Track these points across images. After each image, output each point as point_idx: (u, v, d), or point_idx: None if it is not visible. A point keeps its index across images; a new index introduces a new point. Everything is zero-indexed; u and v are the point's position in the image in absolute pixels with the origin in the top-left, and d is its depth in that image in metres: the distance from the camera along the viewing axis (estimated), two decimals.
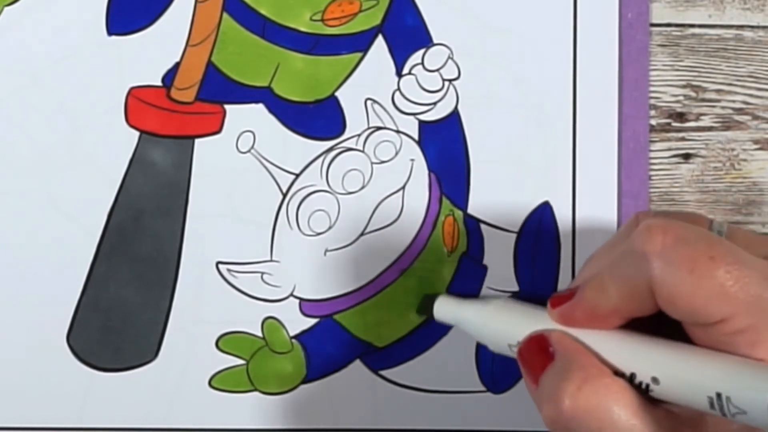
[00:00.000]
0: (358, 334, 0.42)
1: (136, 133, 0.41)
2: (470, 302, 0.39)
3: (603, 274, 0.33)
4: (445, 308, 0.40)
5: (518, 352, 0.35)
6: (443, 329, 0.42)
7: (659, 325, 0.32)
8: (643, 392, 0.31)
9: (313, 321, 0.42)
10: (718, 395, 0.29)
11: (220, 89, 0.41)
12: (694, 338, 0.31)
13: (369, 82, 0.42)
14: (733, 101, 0.43)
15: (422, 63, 0.42)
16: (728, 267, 0.30)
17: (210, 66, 0.41)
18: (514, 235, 0.42)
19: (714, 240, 0.31)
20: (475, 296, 0.42)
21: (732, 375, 0.29)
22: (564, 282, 0.42)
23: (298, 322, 0.42)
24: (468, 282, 0.42)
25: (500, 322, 0.37)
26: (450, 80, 0.42)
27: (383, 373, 0.42)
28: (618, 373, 0.32)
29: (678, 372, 0.31)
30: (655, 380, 0.31)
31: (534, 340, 0.35)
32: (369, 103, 0.42)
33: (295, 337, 0.42)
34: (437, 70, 0.42)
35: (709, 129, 0.43)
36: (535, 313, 0.36)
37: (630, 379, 0.32)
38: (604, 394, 0.31)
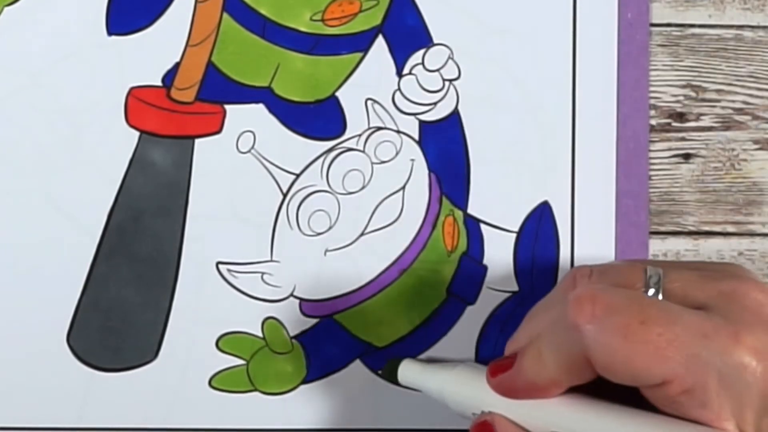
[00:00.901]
0: (358, 334, 0.42)
1: (136, 133, 0.41)
2: (433, 368, 0.39)
3: (540, 344, 0.33)
4: (408, 373, 0.39)
5: None
6: (443, 329, 0.42)
7: (602, 384, 0.32)
8: None
9: (313, 321, 0.42)
10: None
11: (220, 89, 0.41)
12: (649, 399, 0.31)
13: (369, 82, 0.42)
14: (733, 101, 0.43)
15: (422, 63, 0.42)
16: (660, 329, 0.30)
17: (210, 66, 0.41)
18: (514, 235, 0.42)
19: (644, 303, 0.31)
20: (438, 361, 0.41)
21: None
22: None
23: (298, 322, 0.42)
24: (468, 282, 0.42)
25: (460, 392, 0.36)
26: (450, 80, 0.42)
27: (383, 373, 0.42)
28: None
29: None
30: None
31: (480, 426, 0.34)
32: (369, 103, 0.42)
33: (295, 337, 0.42)
34: (437, 70, 0.42)
35: (709, 129, 0.43)
36: None
37: None
38: None
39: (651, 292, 0.33)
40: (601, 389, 0.32)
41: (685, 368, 0.30)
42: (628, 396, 0.32)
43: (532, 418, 0.33)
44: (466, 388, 0.36)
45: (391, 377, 0.40)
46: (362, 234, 0.42)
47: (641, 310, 0.30)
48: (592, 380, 0.32)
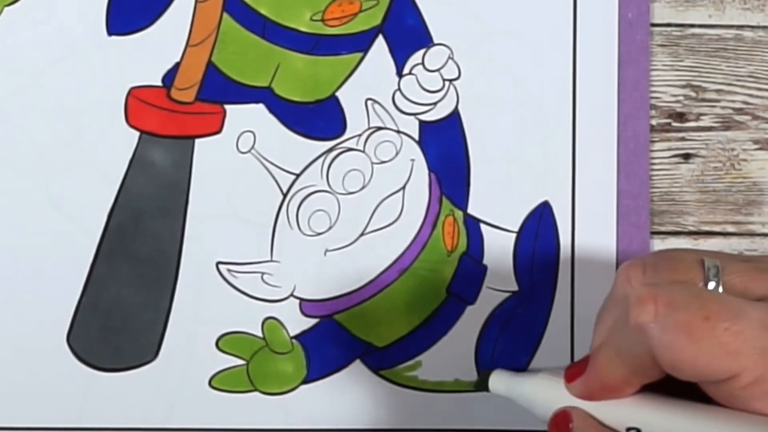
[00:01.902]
0: (358, 334, 0.42)
1: (136, 133, 0.41)
2: (520, 377, 0.39)
3: (608, 346, 0.33)
4: (498, 383, 0.39)
5: (548, 426, 0.35)
6: (443, 329, 0.42)
7: (675, 381, 0.32)
8: None
9: (313, 321, 0.42)
10: None
11: (220, 89, 0.41)
12: (709, 394, 0.31)
13: (369, 82, 0.42)
14: (733, 101, 0.43)
15: (422, 63, 0.42)
16: (725, 324, 0.30)
17: (210, 66, 0.41)
18: (514, 235, 0.42)
19: (706, 297, 0.31)
20: (526, 369, 0.41)
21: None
22: (563, 282, 0.42)
23: (298, 322, 0.42)
24: (468, 282, 0.42)
25: (544, 397, 0.37)
26: (450, 80, 0.42)
27: (383, 373, 0.42)
28: None
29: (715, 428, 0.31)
30: None
31: (557, 417, 0.35)
32: (369, 103, 0.42)
33: (296, 337, 0.42)
34: (437, 70, 0.42)
35: (709, 129, 0.43)
36: None
37: None
38: None
39: (711, 285, 0.33)
40: (673, 385, 0.33)
41: (753, 361, 0.29)
42: (697, 391, 0.32)
43: (610, 415, 0.34)
44: (549, 393, 0.36)
45: (483, 387, 0.40)
46: (362, 234, 0.42)
47: (704, 305, 0.30)
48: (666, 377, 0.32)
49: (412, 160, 0.42)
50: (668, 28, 0.43)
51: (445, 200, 0.42)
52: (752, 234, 0.44)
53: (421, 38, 0.42)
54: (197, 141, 0.41)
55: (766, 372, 0.30)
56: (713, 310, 0.30)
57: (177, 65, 0.41)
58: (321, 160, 0.42)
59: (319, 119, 0.42)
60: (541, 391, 0.37)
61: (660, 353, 0.31)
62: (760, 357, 0.29)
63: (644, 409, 0.33)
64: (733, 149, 0.43)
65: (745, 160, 0.43)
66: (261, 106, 0.41)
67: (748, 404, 0.30)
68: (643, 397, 0.33)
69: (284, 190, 0.42)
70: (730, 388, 0.30)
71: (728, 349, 0.29)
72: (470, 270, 0.42)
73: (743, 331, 0.30)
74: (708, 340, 0.30)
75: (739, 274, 0.33)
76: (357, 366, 0.42)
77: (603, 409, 0.34)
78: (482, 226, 0.42)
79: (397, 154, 0.42)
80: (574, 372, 0.35)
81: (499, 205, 0.42)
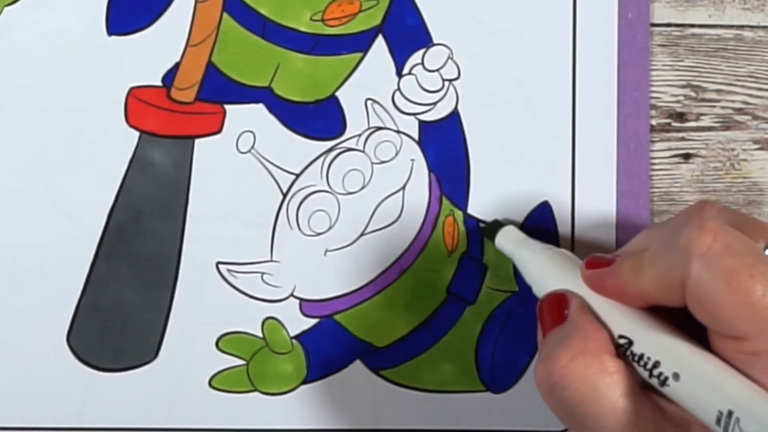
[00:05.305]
0: (358, 334, 0.42)
1: (136, 133, 0.41)
2: (531, 243, 0.38)
3: (644, 255, 0.33)
4: (506, 239, 0.39)
5: (538, 304, 0.35)
6: (443, 329, 0.42)
7: (683, 318, 0.32)
8: (660, 383, 0.31)
9: (313, 321, 0.42)
10: (730, 413, 0.29)
11: (220, 89, 0.41)
12: (713, 345, 0.31)
13: (369, 82, 0.42)
14: (733, 101, 0.43)
15: (422, 63, 0.42)
16: (765, 290, 0.29)
17: (210, 66, 0.41)
18: None
19: (762, 260, 0.30)
20: (539, 239, 0.40)
21: (753, 398, 0.29)
22: None
23: (298, 323, 0.42)
24: (468, 282, 0.42)
25: (548, 270, 0.36)
26: (450, 80, 0.42)
27: (383, 373, 0.42)
28: (641, 357, 0.32)
29: (702, 376, 0.30)
30: (676, 376, 0.31)
31: (554, 297, 0.34)
32: (369, 103, 0.42)
33: (296, 337, 0.42)
34: (437, 70, 0.42)
35: (709, 129, 0.43)
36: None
37: (653, 365, 0.31)
38: (597, 370, 0.31)
39: None
40: (679, 322, 0.32)
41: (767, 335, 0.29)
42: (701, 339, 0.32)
43: (608, 316, 0.33)
44: (555, 268, 0.36)
45: (489, 236, 0.40)
46: (362, 234, 0.42)
47: (756, 264, 0.30)
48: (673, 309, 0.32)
49: (412, 160, 0.42)
50: (668, 28, 0.43)
51: (445, 200, 0.42)
52: None
53: (421, 38, 0.42)
54: (197, 141, 0.41)
55: None
56: (762, 272, 0.30)
57: (177, 65, 0.41)
58: (321, 160, 0.42)
59: (319, 119, 0.42)
60: (549, 265, 0.36)
61: (692, 285, 0.30)
62: None
63: (643, 323, 0.32)
64: (733, 149, 0.43)
65: (745, 160, 0.43)
66: (261, 106, 0.41)
67: (746, 370, 0.30)
68: (646, 314, 0.33)
69: (284, 190, 0.42)
70: (736, 347, 0.30)
71: (755, 311, 0.29)
72: (470, 270, 0.42)
73: None
74: (742, 295, 0.29)
75: None
76: (357, 366, 0.42)
77: (603, 308, 0.33)
78: (482, 226, 0.42)
79: (396, 154, 0.42)
80: (596, 261, 0.34)
81: (499, 205, 0.42)
